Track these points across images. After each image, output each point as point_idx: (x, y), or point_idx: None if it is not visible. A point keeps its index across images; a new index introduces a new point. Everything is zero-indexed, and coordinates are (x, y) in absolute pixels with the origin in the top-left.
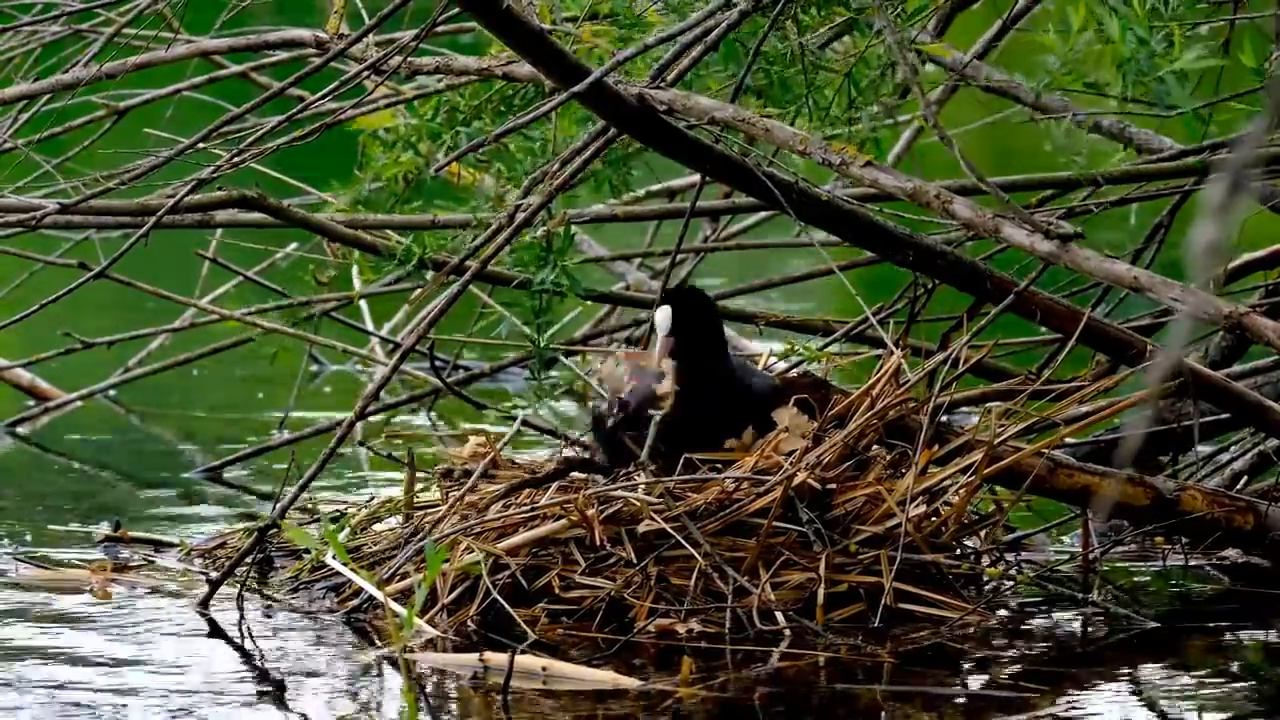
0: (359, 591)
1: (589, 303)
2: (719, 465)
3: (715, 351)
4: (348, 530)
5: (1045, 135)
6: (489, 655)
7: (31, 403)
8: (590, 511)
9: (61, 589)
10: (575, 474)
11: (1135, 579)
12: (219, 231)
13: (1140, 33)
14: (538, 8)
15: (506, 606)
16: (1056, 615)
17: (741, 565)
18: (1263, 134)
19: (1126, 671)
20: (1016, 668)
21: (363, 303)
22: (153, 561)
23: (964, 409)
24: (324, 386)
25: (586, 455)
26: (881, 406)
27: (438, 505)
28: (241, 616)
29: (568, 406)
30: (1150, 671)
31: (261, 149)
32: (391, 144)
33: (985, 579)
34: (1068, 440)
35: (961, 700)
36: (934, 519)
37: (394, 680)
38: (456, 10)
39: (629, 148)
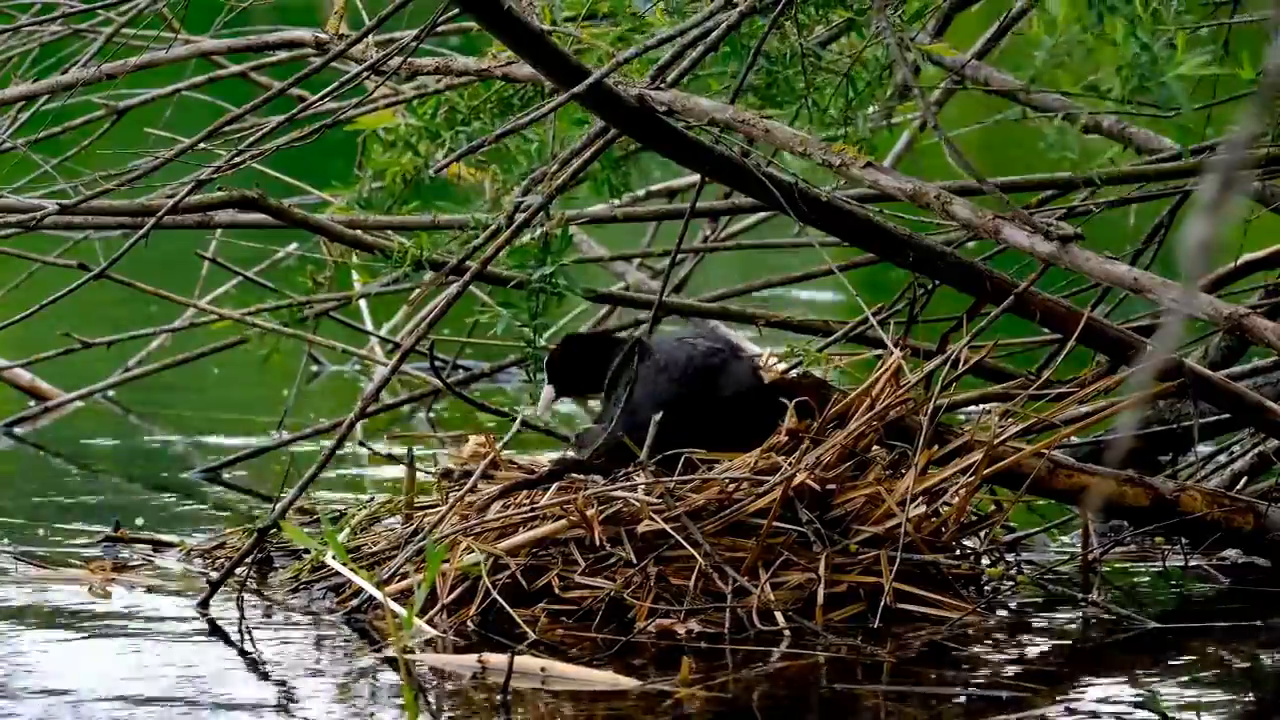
0: (359, 592)
1: (589, 303)
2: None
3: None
4: (347, 530)
5: (1039, 134)
6: (488, 655)
7: (31, 403)
8: (590, 512)
9: (61, 589)
10: (572, 474)
11: (1135, 579)
12: (218, 231)
13: (1144, 37)
14: (538, 8)
15: (506, 607)
16: (1056, 615)
17: (741, 565)
18: (1255, 133)
19: (1126, 671)
20: (1016, 668)
21: (362, 302)
22: (153, 561)
23: (969, 408)
24: (323, 387)
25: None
26: (881, 407)
27: (438, 506)
28: (241, 616)
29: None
30: (1150, 671)
31: (261, 149)
32: (391, 144)
33: (985, 579)
34: (1069, 440)
35: (961, 700)
36: (934, 519)
37: (393, 680)
38: (456, 11)
39: (628, 148)
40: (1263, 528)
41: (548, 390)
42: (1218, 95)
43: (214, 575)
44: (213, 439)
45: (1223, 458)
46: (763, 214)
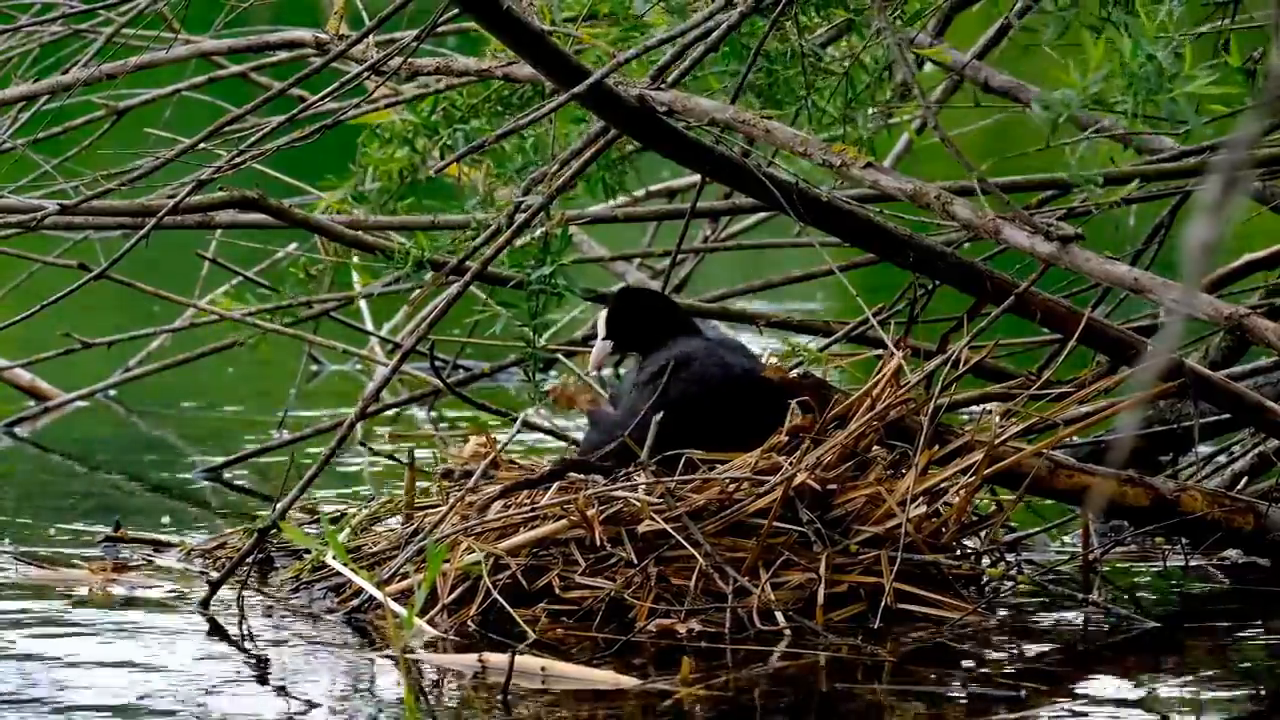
0: (359, 592)
1: (588, 303)
2: (714, 464)
3: (653, 345)
4: (348, 530)
5: (1049, 139)
6: (488, 655)
7: (31, 403)
8: (590, 512)
9: (61, 589)
10: (573, 474)
11: (1135, 579)
12: (218, 231)
13: (1149, 48)
14: (538, 8)
15: (507, 606)
16: (1056, 615)
17: (742, 565)
18: (1257, 132)
19: (1126, 671)
20: (1016, 668)
21: (362, 302)
22: (153, 561)
23: (970, 408)
24: (324, 386)
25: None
26: (882, 407)
27: (438, 505)
28: (242, 617)
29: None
30: (1150, 671)
31: (262, 149)
32: (387, 140)
33: (985, 579)
34: (1072, 439)
35: (961, 700)
36: (934, 519)
37: (394, 680)
38: (456, 11)
39: (625, 150)
40: (1263, 528)
41: (603, 344)
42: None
43: (214, 575)
44: (213, 439)
45: (1223, 458)
46: (763, 214)
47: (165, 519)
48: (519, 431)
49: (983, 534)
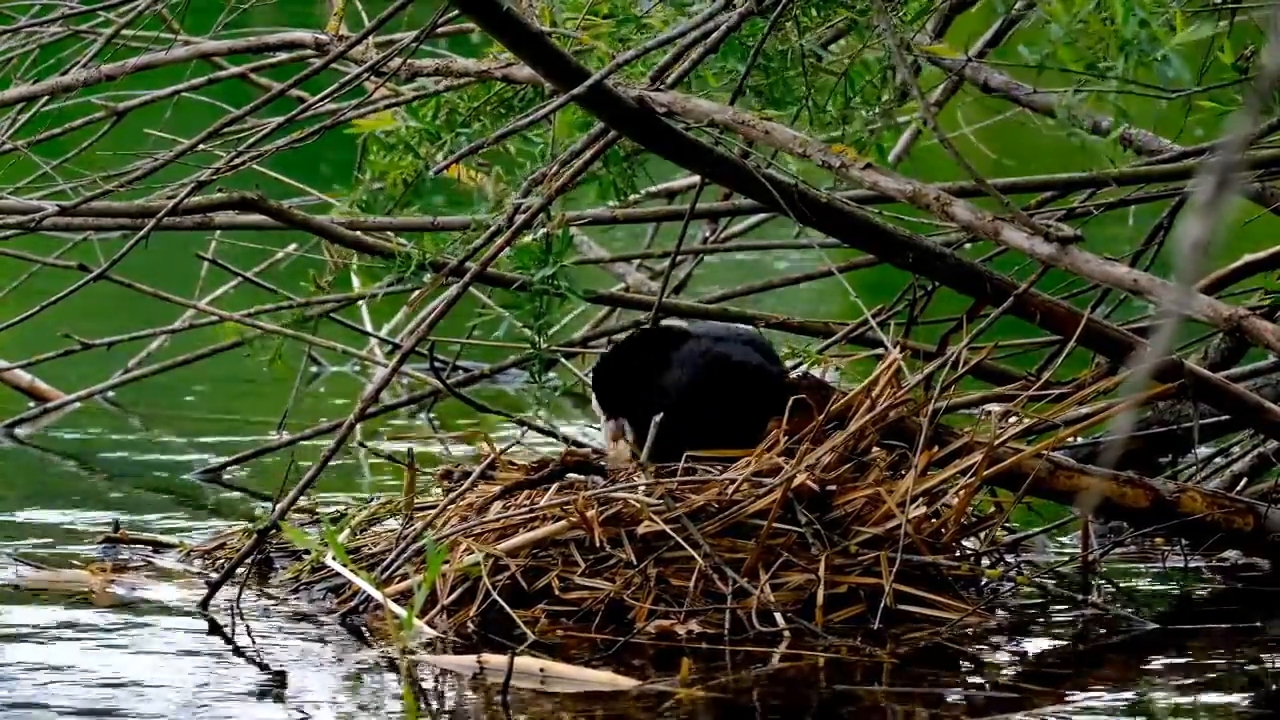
0: (359, 592)
1: (589, 304)
2: (718, 465)
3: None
4: (347, 531)
5: (1048, 129)
6: (488, 656)
7: (31, 404)
8: (590, 513)
9: (61, 589)
10: (573, 475)
11: (1135, 580)
12: (218, 232)
13: (1142, 14)
14: (538, 9)
15: (506, 608)
16: (1056, 616)
17: (741, 566)
18: (1250, 131)
19: (1126, 672)
20: (1016, 668)
21: (362, 303)
22: (152, 562)
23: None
24: (323, 388)
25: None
26: (881, 408)
27: (438, 506)
28: (241, 617)
29: (570, 407)
30: (1150, 672)
31: (261, 150)
32: (392, 146)
33: (985, 580)
34: (1073, 441)
35: (961, 701)
36: (934, 520)
37: (393, 681)
38: (456, 12)
39: (632, 149)
40: (1263, 529)
41: (612, 425)
42: (1217, 79)
43: (214, 576)
44: (213, 439)
45: (1222, 459)
46: (762, 215)
47: (165, 519)
48: (523, 435)
49: (982, 535)
